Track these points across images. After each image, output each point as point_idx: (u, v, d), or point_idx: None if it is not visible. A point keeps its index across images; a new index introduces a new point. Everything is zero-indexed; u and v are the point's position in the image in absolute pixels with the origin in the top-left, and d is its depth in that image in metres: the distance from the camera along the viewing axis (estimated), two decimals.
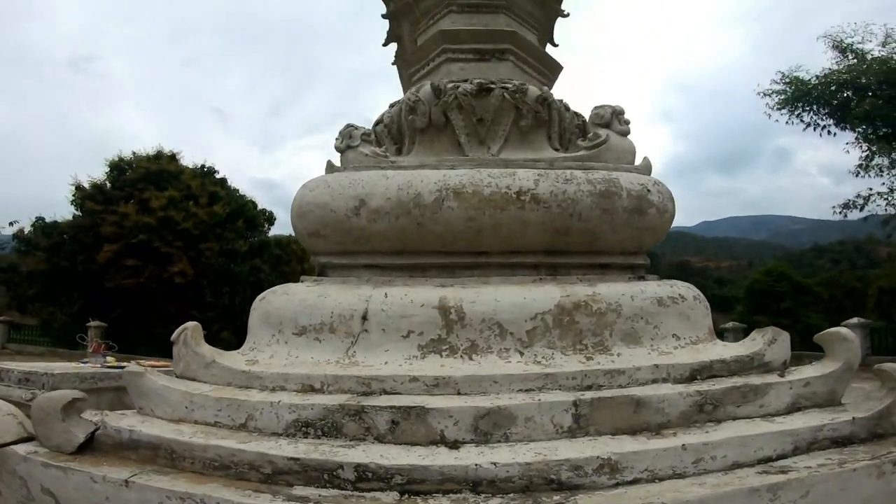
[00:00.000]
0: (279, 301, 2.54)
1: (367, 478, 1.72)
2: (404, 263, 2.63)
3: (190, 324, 2.45)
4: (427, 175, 2.57)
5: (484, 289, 2.41)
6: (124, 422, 2.10)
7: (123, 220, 19.08)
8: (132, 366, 2.40)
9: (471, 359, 2.23)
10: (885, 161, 15.92)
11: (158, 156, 21.70)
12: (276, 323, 2.47)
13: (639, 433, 1.95)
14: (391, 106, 3.09)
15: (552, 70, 3.57)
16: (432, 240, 2.56)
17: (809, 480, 1.72)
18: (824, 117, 16.68)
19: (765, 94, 17.00)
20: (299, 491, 1.71)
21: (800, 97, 16.53)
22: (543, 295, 2.36)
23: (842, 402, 2.21)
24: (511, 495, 1.68)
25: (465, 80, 2.82)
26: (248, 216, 22.82)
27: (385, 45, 4.04)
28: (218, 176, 23.19)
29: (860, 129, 16.25)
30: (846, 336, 2.28)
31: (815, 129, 16.92)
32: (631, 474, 1.75)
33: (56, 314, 20.39)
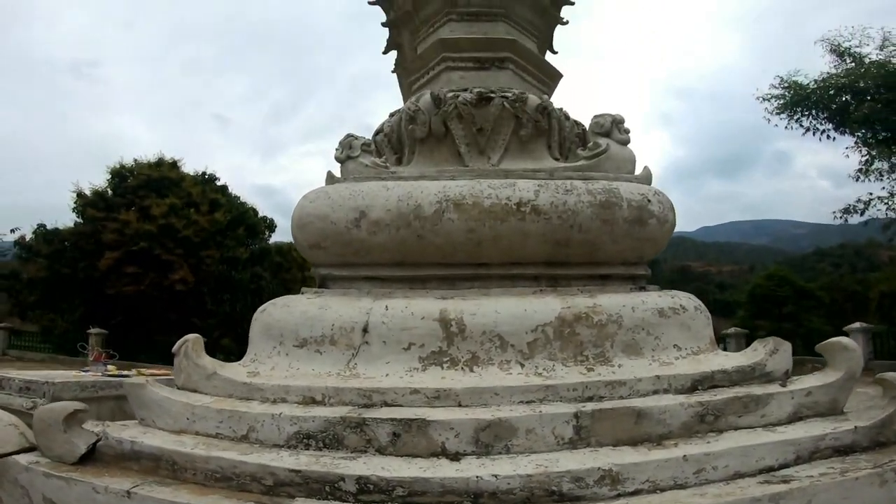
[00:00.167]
0: (280, 313, 2.54)
1: (368, 490, 1.72)
2: (405, 275, 2.64)
3: (191, 336, 2.46)
4: (427, 186, 2.57)
5: (484, 301, 2.42)
6: (126, 433, 2.11)
7: (124, 227, 19.14)
8: (133, 375, 2.41)
9: (472, 371, 2.23)
10: (885, 165, 15.91)
11: (159, 163, 21.80)
12: (277, 335, 2.48)
13: (640, 444, 1.94)
14: (391, 115, 3.10)
15: (552, 78, 3.57)
16: (433, 252, 2.57)
17: (811, 489, 1.72)
18: (823, 122, 16.65)
19: (764, 99, 17.01)
20: (301, 503, 1.72)
21: (798, 102, 16.51)
22: (544, 307, 2.37)
23: (844, 411, 2.21)
24: None
25: (465, 90, 2.82)
26: (249, 223, 22.89)
27: (385, 53, 4.06)
28: (219, 183, 23.35)
29: (859, 134, 16.22)
30: (847, 346, 2.29)
31: (814, 134, 16.92)
32: (632, 485, 1.75)
33: (57, 321, 20.41)
